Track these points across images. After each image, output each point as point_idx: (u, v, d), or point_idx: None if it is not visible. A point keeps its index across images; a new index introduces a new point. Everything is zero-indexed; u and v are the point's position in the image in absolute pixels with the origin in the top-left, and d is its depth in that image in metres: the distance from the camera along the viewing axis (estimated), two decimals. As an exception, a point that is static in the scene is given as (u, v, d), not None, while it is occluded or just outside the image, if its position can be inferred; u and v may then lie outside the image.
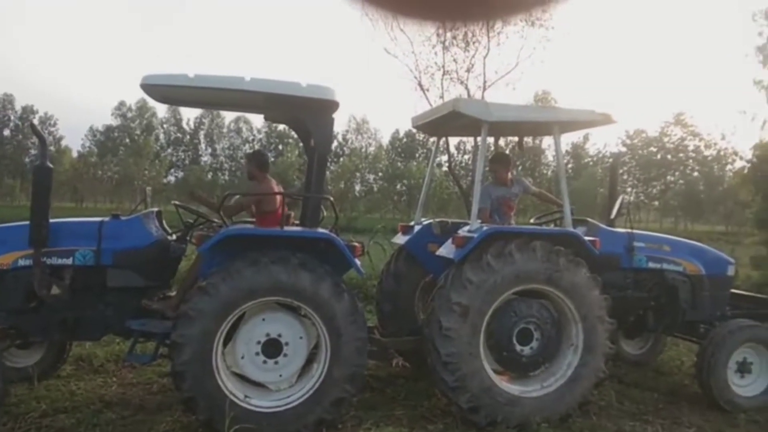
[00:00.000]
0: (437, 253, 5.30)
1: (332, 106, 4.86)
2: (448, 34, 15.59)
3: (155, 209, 5.41)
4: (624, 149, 66.94)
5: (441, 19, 0.79)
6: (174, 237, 5.39)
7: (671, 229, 54.03)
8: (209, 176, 71.24)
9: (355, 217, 43.12)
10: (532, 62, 16.55)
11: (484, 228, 5.01)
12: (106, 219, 5.01)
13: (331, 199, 5.26)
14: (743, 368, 5.59)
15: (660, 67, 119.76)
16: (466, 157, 48.93)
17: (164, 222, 5.49)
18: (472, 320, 4.77)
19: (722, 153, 56.05)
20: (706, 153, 60.26)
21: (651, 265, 5.93)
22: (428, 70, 16.42)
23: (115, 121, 71.86)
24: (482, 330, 4.84)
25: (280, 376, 4.56)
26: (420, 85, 16.49)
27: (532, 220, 6.99)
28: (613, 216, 6.28)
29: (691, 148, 62.41)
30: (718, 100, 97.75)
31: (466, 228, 5.19)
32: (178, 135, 77.59)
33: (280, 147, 74.36)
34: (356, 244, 4.94)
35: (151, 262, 4.96)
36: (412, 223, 6.44)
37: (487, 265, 4.78)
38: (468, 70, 16.30)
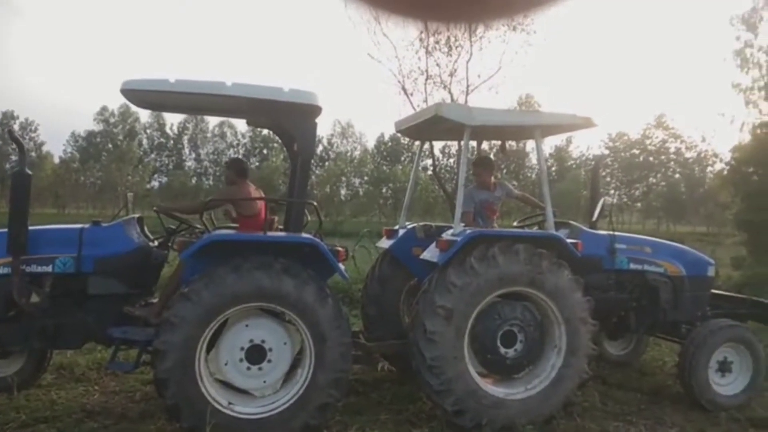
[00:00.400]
0: (421, 256, 5.31)
1: (315, 110, 4.85)
2: (431, 39, 15.67)
3: (136, 215, 5.38)
4: (607, 152, 67.68)
5: (423, 18, 0.79)
6: (156, 243, 5.35)
7: (654, 231, 54.61)
8: (193, 181, 70.75)
9: (341, 222, 43.11)
10: (515, 66, 16.65)
11: (468, 231, 5.04)
12: (87, 225, 4.96)
13: (315, 204, 5.26)
14: (724, 367, 5.67)
15: (641, 70, 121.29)
16: (450, 160, 49.09)
17: (146, 228, 5.45)
18: (456, 323, 4.79)
19: (703, 155, 56.94)
20: (687, 155, 61.19)
21: (633, 266, 6.00)
22: (412, 75, 16.46)
23: (97, 127, 71.16)
24: (466, 333, 4.86)
25: (264, 382, 4.53)
26: (404, 89, 16.53)
27: (515, 223, 7.03)
28: (594, 218, 6.35)
29: (672, 150, 63.30)
30: (698, 102, 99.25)
31: (450, 231, 5.21)
32: (162, 140, 77.01)
33: (265, 151, 74.11)
34: (340, 248, 4.94)
35: (133, 269, 4.91)
36: (396, 227, 6.45)
37: (471, 268, 4.81)
38: (451, 75, 16.37)
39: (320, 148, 75.04)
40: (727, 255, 13.23)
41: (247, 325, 4.52)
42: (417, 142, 7.17)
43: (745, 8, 14.61)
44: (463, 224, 5.34)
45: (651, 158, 64.45)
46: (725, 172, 15.08)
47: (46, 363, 5.63)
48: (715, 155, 16.79)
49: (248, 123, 5.90)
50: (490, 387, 5.00)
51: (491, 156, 9.46)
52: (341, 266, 4.84)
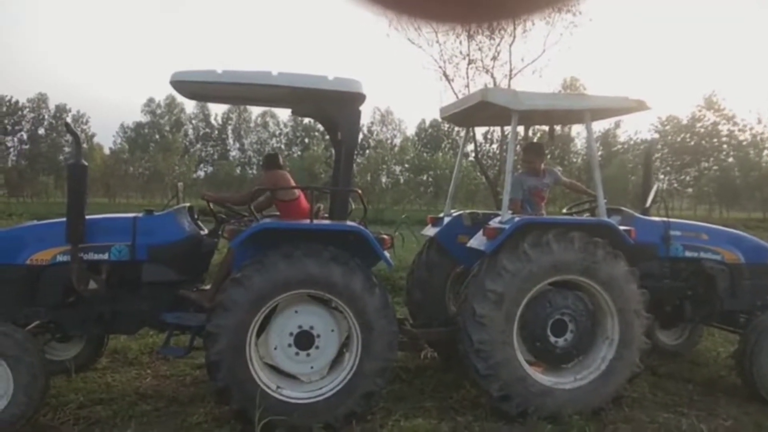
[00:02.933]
0: (468, 244, 5.26)
1: (359, 98, 4.86)
2: (473, 24, 15.40)
3: (187, 204, 5.50)
4: (657, 136, 65.54)
5: (464, 21, 0.77)
6: (206, 231, 5.47)
7: (706, 217, 52.72)
8: (238, 171, 72.00)
9: (382, 209, 43.16)
10: (559, 49, 16.24)
11: (516, 219, 4.97)
12: (140, 215, 5.10)
13: (359, 192, 5.28)
14: None
15: (692, 50, 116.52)
16: (493, 146, 48.37)
17: (196, 217, 5.57)
18: (506, 308, 4.74)
19: (758, 137, 54.46)
20: (741, 137, 58.60)
21: (688, 254, 5.82)
22: (453, 60, 16.24)
23: (144, 118, 73.18)
24: (516, 319, 4.81)
25: (312, 368, 4.59)
26: (445, 74, 16.33)
27: (564, 210, 6.89)
28: (648, 204, 6.17)
29: (724, 132, 60.73)
30: (753, 82, 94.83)
31: (497, 219, 5.14)
32: (207, 130, 78.58)
33: (306, 140, 74.73)
34: (385, 236, 4.95)
35: (184, 257, 5.04)
36: (441, 215, 6.41)
37: (524, 253, 4.75)
38: (494, 59, 16.09)
39: (360, 136, 75.00)
40: (785, 242, 12.66)
41: (296, 311, 4.59)
42: (461, 129, 7.11)
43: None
44: (510, 212, 5.27)
45: (703, 142, 62.02)
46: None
47: (103, 348, 5.87)
48: (773, 137, 15.98)
49: (293, 112, 5.95)
50: (538, 375, 4.93)
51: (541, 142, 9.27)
52: (387, 254, 4.85)
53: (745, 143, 58.06)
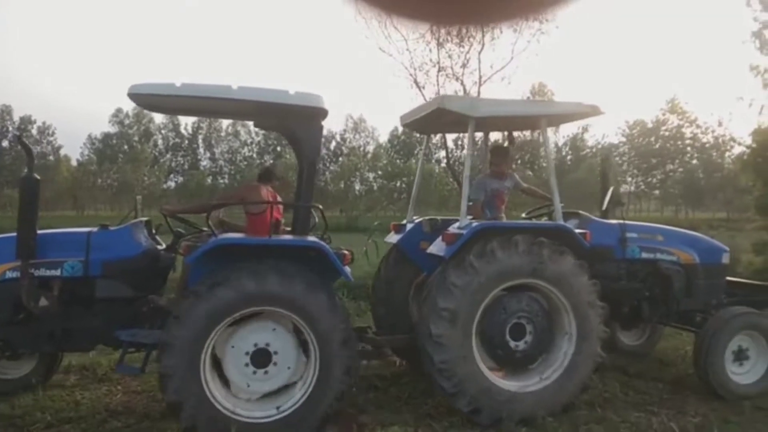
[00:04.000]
0: (428, 250, 5.29)
1: (320, 113, 4.84)
2: (442, 31, 15.52)
3: (144, 219, 5.41)
4: (623, 139, 66.92)
5: (436, 21, 0.79)
6: (163, 246, 5.38)
7: (672, 218, 53.83)
8: (209, 180, 71.16)
9: (356, 217, 43.12)
10: (527, 55, 16.44)
11: (474, 224, 5.01)
12: (95, 229, 5.00)
13: (320, 207, 5.25)
14: (740, 356, 5.59)
15: (655, 56, 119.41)
16: (465, 152, 48.85)
17: (154, 231, 5.48)
18: (461, 324, 4.76)
19: (720, 140, 55.97)
20: (704, 140, 60.14)
21: (644, 255, 5.94)
22: (423, 67, 16.33)
23: (112, 129, 71.88)
24: (473, 332, 4.84)
25: (289, 368, 4.53)
26: (415, 82, 16.41)
27: (523, 215, 6.95)
28: (604, 207, 6.29)
29: (688, 135, 62.27)
30: (713, 87, 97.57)
31: (456, 225, 5.18)
32: (177, 140, 77.49)
33: (279, 149, 74.33)
34: (346, 252, 4.92)
35: (140, 272, 4.94)
36: (404, 222, 6.42)
37: (470, 266, 4.77)
38: (463, 66, 16.21)
39: (333, 143, 75.06)
40: (749, 240, 13.02)
41: (233, 347, 4.48)
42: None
43: (761, -11, 14.30)
44: (470, 216, 5.32)
45: (668, 145, 63.53)
46: (745, 157, 14.78)
47: (56, 364, 5.71)
48: (733, 139, 16.42)
49: (255, 125, 5.94)
50: (504, 382, 4.97)
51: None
52: (347, 269, 4.84)
53: (708, 145, 59.61)
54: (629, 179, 68.11)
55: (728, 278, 6.42)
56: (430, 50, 16.11)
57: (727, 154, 50.75)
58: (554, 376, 5.03)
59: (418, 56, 16.28)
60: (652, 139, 64.27)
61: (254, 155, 75.04)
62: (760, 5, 14.11)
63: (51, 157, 68.03)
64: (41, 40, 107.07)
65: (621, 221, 6.00)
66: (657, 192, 68.61)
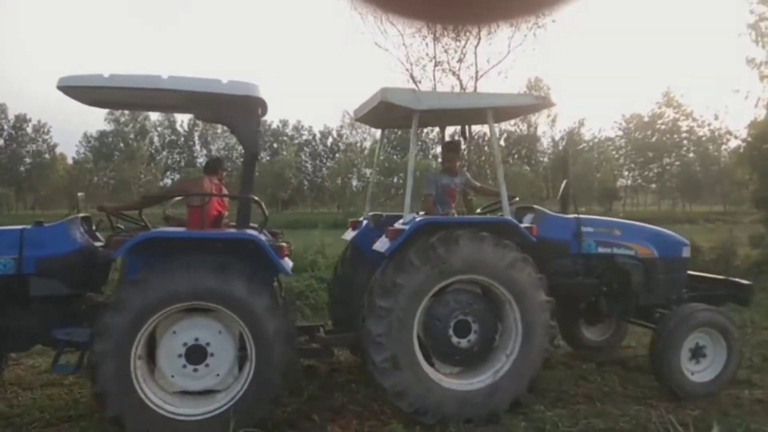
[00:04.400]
0: (373, 247, 5.19)
1: (256, 103, 4.75)
2: (439, 26, 15.52)
3: (81, 215, 5.31)
4: (620, 133, 67.02)
5: (433, 20, 0.77)
6: (102, 242, 5.29)
7: (669, 212, 53.95)
8: (205, 177, 71.07)
9: (354, 212, 43.13)
10: (524, 50, 16.46)
11: (417, 219, 4.95)
12: (29, 226, 4.91)
13: (255, 198, 5.03)
14: (697, 353, 5.48)
15: (651, 49, 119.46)
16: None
17: (94, 228, 5.39)
18: (401, 323, 4.67)
19: (716, 133, 56.05)
20: (700, 133, 60.23)
21: (601, 250, 5.81)
22: (420, 62, 16.35)
23: (108, 126, 71.62)
24: (414, 331, 4.74)
25: (218, 375, 4.46)
26: (412, 77, 16.43)
27: (479, 210, 6.76)
28: (559, 198, 6.19)
29: (684, 129, 62.38)
30: (709, 80, 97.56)
31: (401, 220, 5.09)
32: (173, 137, 77.29)
33: (275, 145, 74.19)
34: (283, 244, 4.83)
35: (76, 269, 4.83)
36: (361, 218, 6.31)
37: (410, 263, 4.69)
38: (460, 60, 16.26)
39: (330, 139, 75.04)
40: (745, 233, 13.04)
41: (174, 332, 4.42)
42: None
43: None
44: (422, 212, 5.27)
45: (664, 138, 63.61)
46: (741, 150, 14.80)
47: (3, 364, 5.60)
48: (729, 133, 16.45)
49: (196, 117, 5.84)
50: (448, 380, 4.87)
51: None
52: (287, 262, 4.74)
53: (704, 139, 59.71)
54: (626, 173, 68.26)
55: (690, 272, 6.30)
56: (427, 45, 16.15)
57: (724, 147, 50.94)
58: (501, 373, 4.92)
59: (415, 51, 16.29)
60: (649, 132, 64.34)
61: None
62: (756, -2, 14.12)
63: (47, 156, 67.79)
64: (36, 38, 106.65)
65: (576, 216, 5.86)
66: (654, 186, 68.76)
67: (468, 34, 15.89)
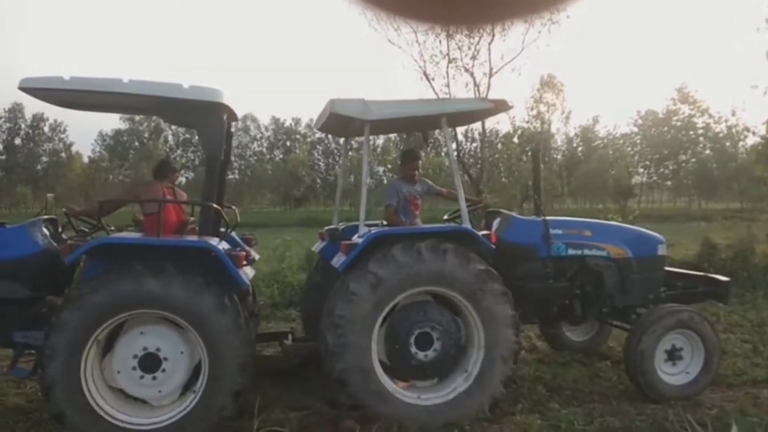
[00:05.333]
0: (332, 262, 5.09)
1: (219, 108, 4.72)
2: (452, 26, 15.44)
3: (44, 217, 5.28)
4: (635, 129, 66.42)
5: (446, 23, 0.77)
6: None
7: (685, 209, 53.36)
8: (219, 176, 71.52)
9: (368, 210, 43.14)
10: (538, 46, 16.31)
11: (373, 232, 4.86)
12: None
13: (215, 206, 4.93)
14: (674, 356, 5.34)
15: (668, 44, 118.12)
16: (474, 144, 48.63)
17: (60, 230, 5.37)
18: (360, 334, 4.59)
19: (734, 129, 55.32)
20: (717, 129, 59.48)
21: (571, 252, 5.68)
22: (433, 59, 16.25)
23: (123, 125, 72.29)
24: (372, 342, 4.65)
25: (160, 392, 4.38)
26: (425, 74, 16.34)
27: (445, 217, 6.56)
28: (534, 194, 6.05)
29: (700, 125, 61.64)
30: (725, 74, 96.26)
31: (356, 234, 5.02)
32: (187, 136, 77.76)
33: (288, 144, 74.41)
34: (241, 252, 4.74)
35: (37, 272, 4.81)
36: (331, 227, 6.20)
37: (370, 273, 4.60)
38: (473, 57, 16.11)
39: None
40: (763, 231, 12.84)
41: (142, 333, 4.38)
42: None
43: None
44: (385, 222, 5.24)
45: (680, 135, 62.92)
46: (760, 147, 14.58)
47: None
48: (747, 129, 16.18)
49: (164, 120, 5.82)
50: (407, 393, 4.77)
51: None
52: (243, 272, 4.65)
53: (721, 135, 58.93)
54: (641, 170, 67.60)
55: (668, 269, 6.15)
56: (440, 42, 16.00)
57: (741, 143, 50.25)
58: (463, 387, 4.80)
59: (428, 48, 16.19)
60: (664, 129, 63.67)
61: (264, 150, 75.14)
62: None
63: (63, 155, 68.56)
64: (51, 38, 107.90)
65: (544, 218, 5.70)
66: (669, 183, 68.05)
67: (482, 31, 15.78)
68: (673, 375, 5.33)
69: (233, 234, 5.46)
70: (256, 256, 5.58)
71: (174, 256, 4.44)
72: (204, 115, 4.72)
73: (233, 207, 5.26)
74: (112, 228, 5.33)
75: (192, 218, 5.54)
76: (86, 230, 5.42)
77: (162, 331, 4.42)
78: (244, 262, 4.72)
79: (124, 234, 4.96)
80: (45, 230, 5.08)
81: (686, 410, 4.89)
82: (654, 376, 5.21)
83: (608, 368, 6.12)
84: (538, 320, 6.28)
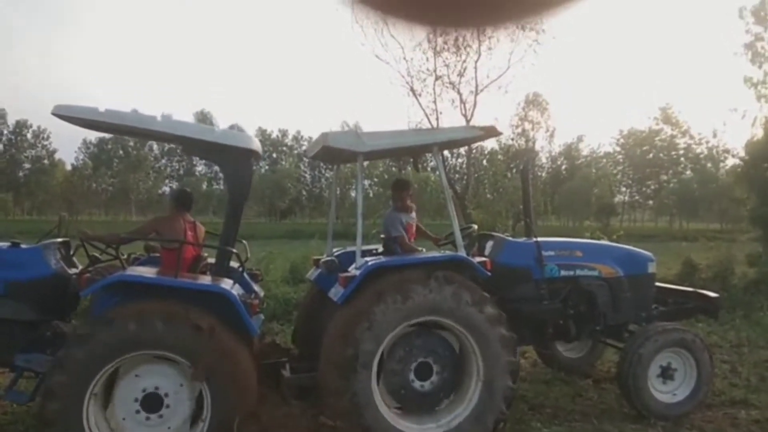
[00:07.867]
0: (329, 294, 5.08)
1: (248, 154, 4.74)
2: (439, 39, 15.61)
3: (59, 240, 5.23)
4: (618, 148, 67.32)
5: (432, 24, 0.79)
6: (78, 270, 5.16)
7: (666, 229, 53.99)
8: (204, 186, 71.07)
9: (353, 223, 43.11)
10: (523, 65, 16.55)
11: (370, 263, 4.85)
12: (5, 245, 4.84)
13: (234, 251, 4.92)
14: (666, 374, 5.40)
15: (649, 67, 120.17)
16: (459, 160, 48.89)
17: (72, 253, 5.31)
18: (360, 367, 4.54)
19: (714, 151, 56.27)
20: (698, 150, 60.49)
21: (564, 273, 5.72)
22: (420, 76, 16.42)
23: (107, 134, 71.78)
24: (372, 377, 4.61)
25: (169, 428, 4.31)
26: (412, 90, 16.49)
27: (440, 243, 6.36)
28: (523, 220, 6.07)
29: (681, 146, 62.66)
30: (706, 98, 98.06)
31: (352, 266, 5.00)
32: (172, 146, 77.48)
33: (274, 155, 74.36)
34: (255, 301, 4.68)
35: (46, 296, 4.74)
36: (324, 257, 6.10)
37: (365, 313, 4.57)
38: (460, 75, 16.32)
39: (329, 150, 75.02)
40: (743, 252, 13.05)
41: (137, 375, 4.30)
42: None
43: (754, 0, 14.42)
44: (379, 253, 5.31)
45: (661, 155, 63.88)
46: (739, 169, 14.87)
47: None
48: (727, 151, 16.51)
49: (186, 152, 5.58)
50: (407, 424, 4.74)
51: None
52: (255, 320, 4.61)
53: (702, 156, 59.91)
54: (624, 189, 68.43)
55: (659, 284, 6.21)
56: (427, 59, 16.20)
57: (722, 165, 51.10)
58: (463, 416, 4.76)
59: (415, 65, 16.36)
60: (646, 148, 64.62)
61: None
62: (752, 17, 14.24)
63: (46, 161, 67.82)
64: (36, 44, 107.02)
65: (536, 239, 5.71)
66: (651, 202, 68.93)
67: (468, 48, 16.00)
68: (662, 393, 5.37)
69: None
70: (261, 293, 5.48)
71: (189, 297, 4.38)
72: (233, 159, 4.73)
73: (243, 242, 5.20)
74: (124, 256, 5.24)
75: (206, 254, 5.42)
76: (98, 256, 5.31)
77: (155, 369, 4.34)
78: (257, 311, 4.70)
79: (141, 270, 4.82)
80: (58, 253, 5.01)
81: (667, 430, 4.94)
82: (646, 394, 5.25)
83: (590, 387, 6.15)
84: (532, 342, 6.29)
